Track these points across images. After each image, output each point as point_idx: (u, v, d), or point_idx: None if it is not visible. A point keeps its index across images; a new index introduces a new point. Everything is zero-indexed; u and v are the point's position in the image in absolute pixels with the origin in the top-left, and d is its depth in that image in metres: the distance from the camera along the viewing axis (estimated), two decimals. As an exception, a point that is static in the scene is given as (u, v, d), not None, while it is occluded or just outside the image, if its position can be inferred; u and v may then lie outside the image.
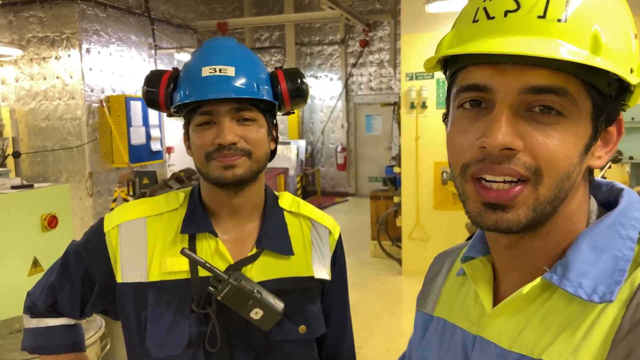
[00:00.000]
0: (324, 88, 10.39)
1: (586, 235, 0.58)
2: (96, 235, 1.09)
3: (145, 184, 3.90)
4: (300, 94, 1.11)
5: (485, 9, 0.55)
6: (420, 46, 5.06)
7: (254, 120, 1.04)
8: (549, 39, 0.51)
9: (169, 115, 1.13)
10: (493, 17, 0.54)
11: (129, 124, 6.67)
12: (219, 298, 0.99)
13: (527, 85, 0.53)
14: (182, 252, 1.00)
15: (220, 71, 1.02)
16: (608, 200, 0.63)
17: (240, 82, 1.02)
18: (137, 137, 6.83)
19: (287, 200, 1.18)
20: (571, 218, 0.59)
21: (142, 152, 6.93)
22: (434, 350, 0.73)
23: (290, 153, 9.31)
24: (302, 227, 1.15)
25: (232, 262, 1.06)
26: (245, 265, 1.06)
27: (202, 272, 1.03)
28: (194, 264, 1.03)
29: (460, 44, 0.56)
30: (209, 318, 1.02)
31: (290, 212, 1.16)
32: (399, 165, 5.40)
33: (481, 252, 0.69)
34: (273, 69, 1.12)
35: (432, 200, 5.24)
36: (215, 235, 1.07)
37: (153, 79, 1.09)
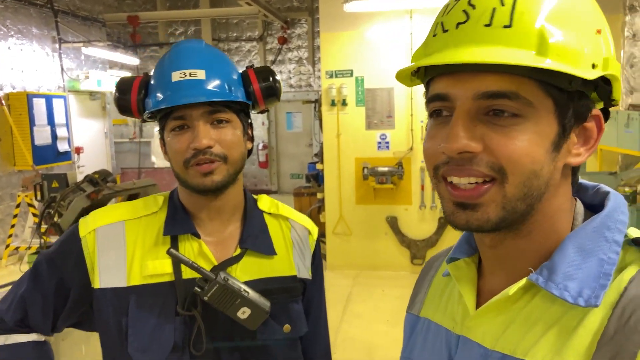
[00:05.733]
0: (243, 85, 10.22)
1: (572, 238, 0.58)
2: (71, 241, 1.06)
3: (54, 188, 3.63)
4: (273, 92, 1.11)
5: (442, 23, 0.59)
6: (339, 44, 5.14)
7: (229, 121, 1.04)
8: (494, 47, 0.54)
9: (143, 120, 1.13)
10: (447, 30, 0.58)
11: (32, 123, 6.19)
12: (205, 298, 0.98)
13: (480, 92, 0.55)
14: (169, 253, 0.99)
15: (190, 75, 1.02)
16: (593, 203, 0.64)
17: (211, 84, 1.03)
18: (42, 137, 6.36)
19: (265, 202, 1.19)
20: (553, 218, 0.60)
21: (47, 153, 6.46)
22: (419, 349, 0.74)
23: (210, 151, 9.09)
24: (282, 228, 1.17)
25: (216, 263, 1.06)
26: (230, 266, 1.07)
27: (186, 274, 1.03)
28: (177, 265, 1.03)
29: (425, 56, 0.60)
30: (194, 320, 1.01)
31: (269, 213, 1.17)
32: (322, 162, 5.46)
33: (466, 253, 0.70)
34: (244, 69, 1.13)
35: (354, 195, 5.36)
36: (198, 236, 1.07)
37: (123, 86, 1.09)
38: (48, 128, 6.47)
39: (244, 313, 1.00)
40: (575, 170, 0.62)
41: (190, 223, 1.08)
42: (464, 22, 0.56)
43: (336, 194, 5.39)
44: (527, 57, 0.53)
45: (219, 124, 1.03)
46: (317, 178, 5.91)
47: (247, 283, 1.04)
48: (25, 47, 6.34)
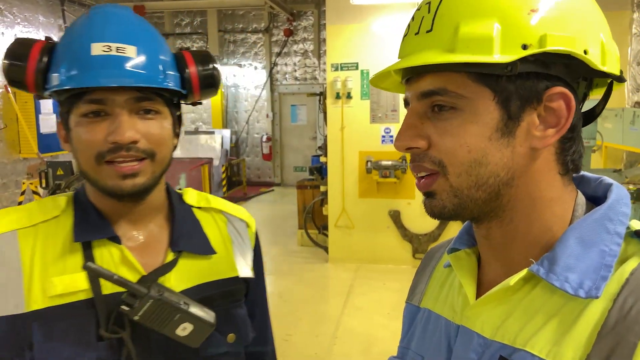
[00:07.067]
0: (248, 77, 10.23)
1: (574, 229, 0.58)
2: None
3: (59, 175, 3.66)
4: (212, 81, 0.94)
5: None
6: (345, 37, 5.12)
7: (158, 112, 0.86)
8: (420, 52, 0.59)
9: (39, 97, 0.90)
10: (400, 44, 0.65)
11: (37, 111, 6.23)
12: (136, 318, 0.82)
13: (419, 92, 0.61)
14: (86, 267, 0.81)
15: (117, 50, 0.81)
16: (596, 194, 0.63)
17: (142, 65, 0.83)
18: (47, 125, 6.40)
19: (192, 196, 1.02)
20: (538, 205, 0.60)
21: (53, 142, 6.50)
22: (418, 339, 0.74)
23: (214, 143, 9.11)
24: (217, 223, 1.02)
25: (144, 273, 0.88)
26: (163, 275, 0.89)
27: (107, 289, 0.84)
28: (95, 279, 0.84)
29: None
30: (122, 344, 0.84)
31: (199, 208, 1.02)
32: (325, 155, 5.47)
33: (466, 244, 0.71)
34: (178, 49, 0.95)
35: (357, 188, 5.37)
36: (118, 242, 0.88)
37: (18, 50, 0.85)
38: (54, 116, 6.50)
39: (184, 330, 0.85)
40: (566, 159, 0.60)
41: (107, 225, 0.88)
42: (406, 35, 0.62)
43: (339, 187, 5.40)
44: (433, 56, 0.56)
45: (145, 115, 0.84)
46: (320, 171, 5.92)
47: (184, 292, 0.89)
48: (31, 35, 6.36)
